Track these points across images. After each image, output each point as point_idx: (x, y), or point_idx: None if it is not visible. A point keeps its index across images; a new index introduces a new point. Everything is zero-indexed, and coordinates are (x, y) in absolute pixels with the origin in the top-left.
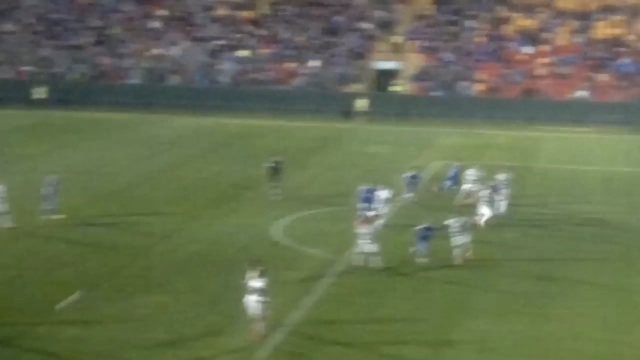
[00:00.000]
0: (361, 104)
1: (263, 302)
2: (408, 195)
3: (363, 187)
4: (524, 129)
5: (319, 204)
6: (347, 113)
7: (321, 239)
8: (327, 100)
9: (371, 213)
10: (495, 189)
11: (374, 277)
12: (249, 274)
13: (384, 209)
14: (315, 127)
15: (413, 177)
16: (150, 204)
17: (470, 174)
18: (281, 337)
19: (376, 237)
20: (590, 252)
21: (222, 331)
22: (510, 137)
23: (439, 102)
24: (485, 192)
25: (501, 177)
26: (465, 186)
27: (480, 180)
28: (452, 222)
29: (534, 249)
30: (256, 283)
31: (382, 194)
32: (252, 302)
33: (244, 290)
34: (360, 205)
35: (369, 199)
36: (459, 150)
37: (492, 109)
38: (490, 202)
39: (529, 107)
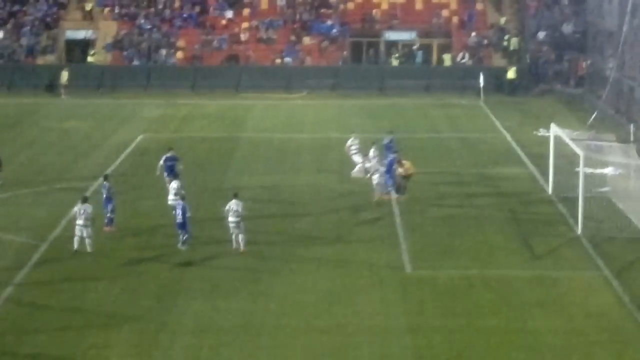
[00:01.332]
0: (66, 76)
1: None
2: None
3: (105, 184)
4: (230, 97)
5: (16, 186)
6: (49, 87)
7: (21, 224)
8: (19, 74)
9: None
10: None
11: (82, 262)
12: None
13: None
14: (8, 104)
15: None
16: None
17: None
18: None
19: (90, 221)
20: (304, 225)
21: None
22: (216, 106)
23: (138, 71)
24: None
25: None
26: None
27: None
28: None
29: (248, 226)
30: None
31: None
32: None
33: None
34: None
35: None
36: (165, 122)
37: (196, 77)
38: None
39: (234, 74)
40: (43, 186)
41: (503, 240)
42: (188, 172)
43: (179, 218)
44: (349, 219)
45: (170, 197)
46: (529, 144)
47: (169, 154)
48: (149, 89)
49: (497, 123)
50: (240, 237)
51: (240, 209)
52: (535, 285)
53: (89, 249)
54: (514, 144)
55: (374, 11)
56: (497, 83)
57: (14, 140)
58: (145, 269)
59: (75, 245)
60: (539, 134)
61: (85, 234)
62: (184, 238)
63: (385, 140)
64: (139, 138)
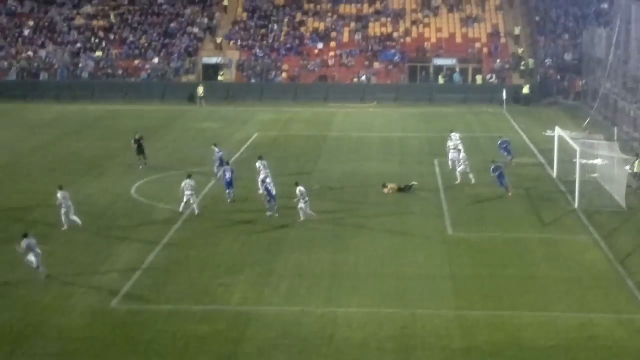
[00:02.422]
0: (201, 90)
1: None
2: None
3: (229, 167)
4: (320, 106)
5: (167, 169)
6: (190, 98)
7: (170, 196)
8: (169, 89)
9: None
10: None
11: (212, 224)
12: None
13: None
14: (161, 110)
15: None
16: (29, 174)
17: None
18: (141, 273)
19: (194, 190)
20: (373, 200)
21: (94, 271)
22: (310, 112)
23: (254, 87)
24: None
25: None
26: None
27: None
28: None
29: (333, 199)
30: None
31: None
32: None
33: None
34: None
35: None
36: (273, 123)
37: (296, 91)
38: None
39: (323, 89)
40: (185, 169)
41: (519, 211)
42: (288, 160)
43: (273, 191)
44: (406, 195)
45: (261, 176)
46: (539, 141)
47: (217, 149)
48: (262, 100)
49: (516, 125)
50: (307, 212)
51: (304, 192)
52: (543, 245)
53: (196, 210)
54: (527, 141)
55: (425, 44)
56: (515, 96)
57: (164, 136)
58: (258, 229)
59: (181, 209)
60: (547, 134)
61: (192, 200)
62: (274, 205)
63: (501, 143)
64: (255, 135)
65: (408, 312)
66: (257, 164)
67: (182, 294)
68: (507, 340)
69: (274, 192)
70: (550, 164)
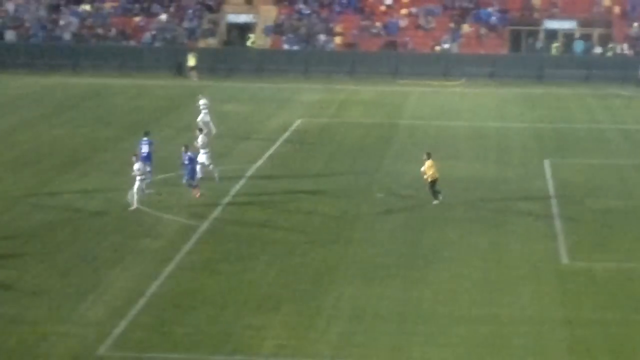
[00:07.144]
0: (193, 59)
1: None
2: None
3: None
4: (387, 83)
5: (177, 166)
6: (178, 69)
7: (181, 204)
8: (182, 56)
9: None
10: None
11: (237, 243)
12: None
13: None
14: (168, 85)
15: None
16: None
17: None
18: (140, 308)
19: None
20: (460, 212)
21: (76, 305)
22: (373, 92)
23: (297, 56)
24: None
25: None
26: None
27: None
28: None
29: (403, 211)
30: None
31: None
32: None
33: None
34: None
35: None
36: (322, 107)
37: (354, 63)
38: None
39: (392, 61)
40: None
41: None
42: (342, 156)
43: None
44: (505, 207)
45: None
46: None
47: (145, 138)
48: (307, 74)
49: None
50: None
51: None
52: None
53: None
54: None
55: (534, 0)
56: None
57: (174, 122)
58: (301, 251)
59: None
60: None
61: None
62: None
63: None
64: (297, 122)
65: None
66: None
67: (195, 339)
68: None
69: None
70: None
